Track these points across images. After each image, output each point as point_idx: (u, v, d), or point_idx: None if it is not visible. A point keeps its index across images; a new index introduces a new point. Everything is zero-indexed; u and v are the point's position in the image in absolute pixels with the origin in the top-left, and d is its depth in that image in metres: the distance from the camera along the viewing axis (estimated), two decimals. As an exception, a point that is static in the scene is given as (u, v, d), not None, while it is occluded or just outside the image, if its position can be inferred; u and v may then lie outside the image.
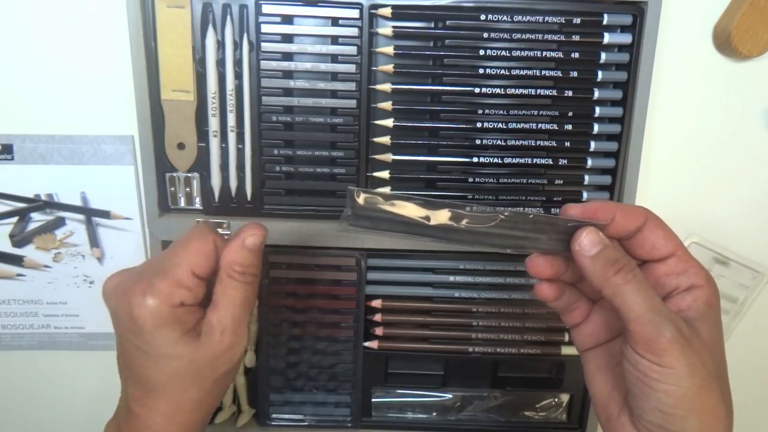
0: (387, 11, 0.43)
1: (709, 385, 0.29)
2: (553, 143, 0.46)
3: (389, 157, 0.46)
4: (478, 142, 0.46)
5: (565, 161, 0.46)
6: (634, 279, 0.30)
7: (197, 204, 0.47)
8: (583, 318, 0.36)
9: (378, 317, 0.49)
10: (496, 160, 0.46)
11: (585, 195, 0.47)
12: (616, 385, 0.33)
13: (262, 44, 0.43)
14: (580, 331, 0.36)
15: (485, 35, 0.43)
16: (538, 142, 0.46)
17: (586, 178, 0.47)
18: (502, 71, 0.44)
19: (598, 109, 0.45)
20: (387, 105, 0.45)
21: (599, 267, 0.30)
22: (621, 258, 0.31)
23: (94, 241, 0.50)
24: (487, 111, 0.45)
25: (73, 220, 0.49)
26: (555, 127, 0.45)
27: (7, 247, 0.50)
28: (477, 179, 0.46)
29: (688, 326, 0.29)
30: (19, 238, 0.50)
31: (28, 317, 0.52)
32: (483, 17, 0.43)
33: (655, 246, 0.33)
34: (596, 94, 0.45)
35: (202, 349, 0.32)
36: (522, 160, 0.46)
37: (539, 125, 0.45)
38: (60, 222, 0.49)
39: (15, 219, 0.49)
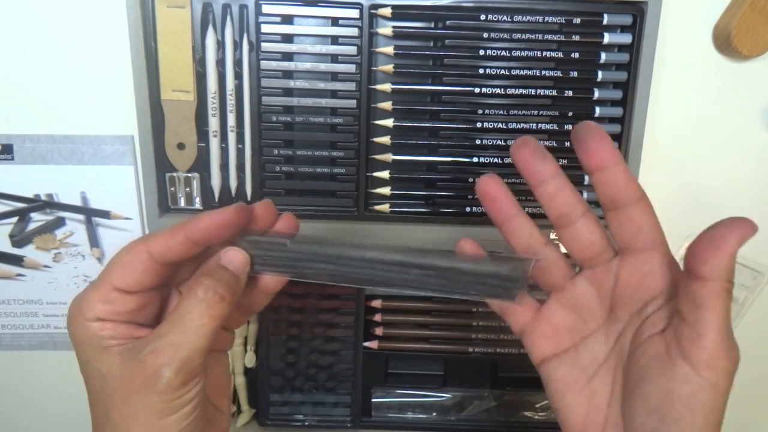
0: (387, 11, 0.43)
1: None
2: (553, 143, 0.46)
3: (389, 157, 0.46)
4: (478, 142, 0.46)
5: (565, 161, 0.46)
6: (730, 294, 0.26)
7: (197, 204, 0.47)
8: (532, 314, 0.31)
9: (378, 317, 0.49)
10: (496, 160, 0.46)
11: (585, 195, 0.47)
12: (594, 404, 0.28)
13: (262, 44, 0.43)
14: (534, 333, 0.31)
15: (485, 35, 0.43)
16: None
17: (587, 178, 0.47)
18: (502, 71, 0.44)
19: (598, 109, 0.45)
20: (387, 105, 0.45)
21: (723, 267, 0.26)
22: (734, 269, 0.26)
23: (94, 241, 0.50)
24: (487, 111, 0.45)
25: (73, 220, 0.49)
26: (555, 127, 0.45)
27: (7, 247, 0.50)
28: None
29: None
30: (19, 238, 0.50)
31: (28, 317, 0.52)
32: (483, 17, 0.43)
33: (642, 233, 0.29)
34: (596, 94, 0.45)
35: (127, 369, 0.27)
36: (522, 160, 0.46)
37: (539, 125, 0.45)
38: (60, 222, 0.49)
39: (15, 219, 0.49)
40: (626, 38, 0.44)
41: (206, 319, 0.27)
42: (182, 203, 0.47)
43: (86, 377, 0.29)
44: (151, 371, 0.27)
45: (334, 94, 0.45)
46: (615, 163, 0.28)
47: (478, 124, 0.45)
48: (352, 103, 0.45)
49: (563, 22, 0.44)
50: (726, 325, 0.25)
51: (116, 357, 0.28)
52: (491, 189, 0.33)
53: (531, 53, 0.44)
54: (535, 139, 0.31)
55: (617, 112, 0.45)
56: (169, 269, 0.30)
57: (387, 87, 0.44)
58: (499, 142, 0.46)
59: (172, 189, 0.47)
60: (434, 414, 0.52)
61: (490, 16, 0.43)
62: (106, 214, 0.49)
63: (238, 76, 0.44)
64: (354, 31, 0.43)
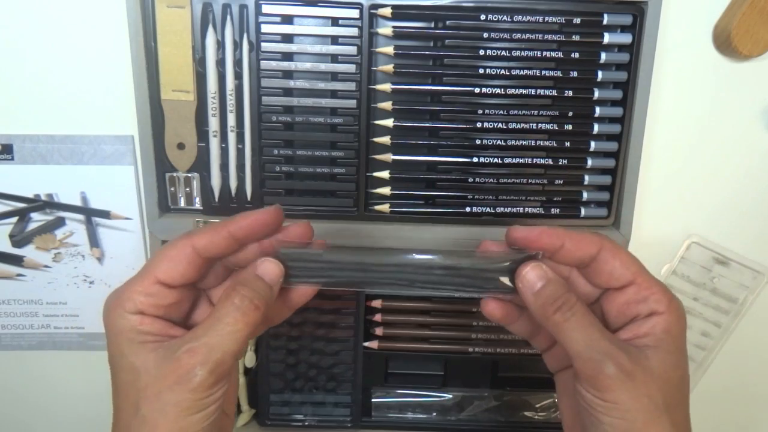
0: (387, 11, 0.43)
1: (657, 417, 0.29)
2: (553, 143, 0.46)
3: (389, 157, 0.46)
4: (478, 142, 0.46)
5: (565, 161, 0.46)
6: (574, 316, 0.30)
7: (197, 204, 0.47)
8: (550, 343, 0.35)
9: (378, 317, 0.49)
10: (496, 160, 0.46)
11: (585, 195, 0.47)
12: (579, 411, 0.32)
13: (262, 44, 0.43)
14: (550, 355, 0.36)
15: (485, 35, 0.43)
16: (538, 142, 0.46)
17: (586, 178, 0.47)
18: (502, 71, 0.44)
19: (598, 109, 0.45)
20: (387, 105, 0.45)
21: (540, 305, 0.31)
22: (561, 295, 0.30)
23: (94, 241, 0.50)
24: (487, 111, 0.45)
25: (73, 220, 0.49)
26: (555, 127, 0.45)
27: (7, 247, 0.50)
28: (477, 179, 0.46)
29: (634, 358, 0.29)
30: (19, 238, 0.50)
31: (28, 317, 0.52)
32: (483, 17, 0.43)
33: (612, 274, 0.32)
34: (596, 94, 0.45)
35: (161, 365, 0.28)
36: (522, 160, 0.46)
37: (539, 125, 0.45)
38: (60, 222, 0.49)
39: (15, 219, 0.49)
40: (626, 38, 0.44)
41: (241, 325, 0.29)
42: (182, 203, 0.47)
43: (116, 369, 0.30)
44: (186, 369, 0.28)
45: (334, 94, 0.45)
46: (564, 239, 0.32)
47: (478, 124, 0.45)
48: (352, 103, 0.45)
49: (563, 22, 0.44)
50: (585, 345, 0.29)
51: (151, 353, 0.29)
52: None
53: (531, 53, 0.44)
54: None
55: (617, 112, 0.45)
56: (208, 265, 0.32)
57: (387, 87, 0.44)
58: (499, 142, 0.45)
59: (172, 189, 0.47)
60: (434, 414, 0.52)
61: (490, 16, 0.43)
62: (106, 214, 0.49)
63: (238, 76, 0.44)
64: (354, 31, 0.43)
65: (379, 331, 0.49)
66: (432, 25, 0.44)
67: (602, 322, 0.32)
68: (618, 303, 0.32)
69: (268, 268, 0.31)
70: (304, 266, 0.32)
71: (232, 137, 0.45)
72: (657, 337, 0.30)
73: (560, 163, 0.46)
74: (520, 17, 0.43)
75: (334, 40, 0.44)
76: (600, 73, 0.45)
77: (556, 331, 0.30)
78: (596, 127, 0.46)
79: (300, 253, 0.32)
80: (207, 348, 0.28)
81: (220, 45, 0.43)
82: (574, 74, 0.45)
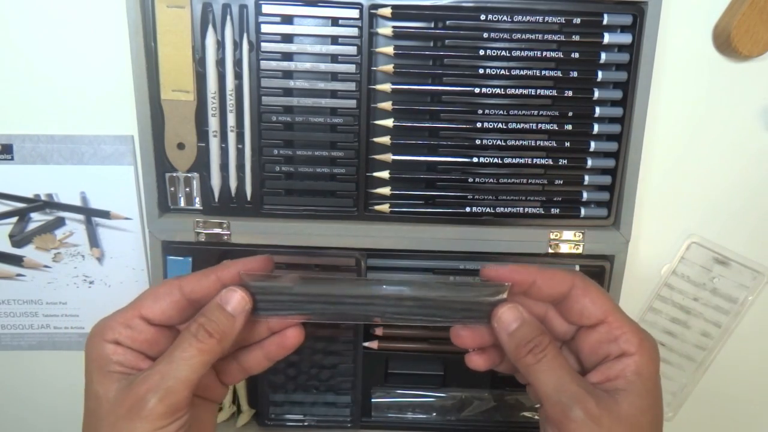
0: (387, 11, 0.43)
1: None
2: (553, 143, 0.46)
3: (389, 157, 0.46)
4: (478, 142, 0.46)
5: (565, 161, 0.46)
6: (545, 358, 0.30)
7: (197, 204, 0.47)
8: None
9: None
10: (496, 160, 0.46)
11: (585, 195, 0.47)
12: None
13: (262, 44, 0.43)
14: (531, 389, 0.34)
15: (485, 35, 0.43)
16: (537, 142, 0.46)
17: (586, 178, 0.47)
18: (502, 71, 0.44)
19: (598, 109, 0.45)
20: (387, 105, 0.45)
21: (513, 346, 0.31)
22: (535, 337, 0.31)
23: (93, 241, 0.50)
24: (487, 111, 0.45)
25: (73, 220, 0.49)
26: (555, 127, 0.45)
27: (7, 247, 0.50)
28: (477, 179, 0.46)
29: (602, 403, 0.29)
30: (19, 238, 0.50)
31: (27, 317, 0.52)
32: (483, 17, 0.43)
33: (583, 312, 0.32)
34: (596, 94, 0.45)
35: (119, 395, 0.29)
36: (522, 160, 0.46)
37: (539, 125, 0.45)
38: (60, 222, 0.49)
39: (15, 219, 0.49)
40: (626, 38, 0.44)
41: (194, 351, 0.29)
42: (182, 203, 0.47)
43: (85, 396, 0.30)
44: (137, 397, 0.28)
45: (334, 94, 0.44)
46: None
47: (478, 124, 0.45)
48: (352, 103, 0.45)
49: (563, 22, 0.44)
50: (554, 387, 0.30)
51: (115, 383, 0.29)
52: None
53: (531, 53, 0.44)
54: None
55: (617, 112, 0.45)
56: (193, 309, 0.32)
57: (387, 87, 0.44)
58: (499, 142, 0.45)
59: (172, 189, 0.47)
60: (434, 414, 0.52)
61: (490, 16, 0.43)
62: (106, 214, 0.49)
63: (238, 76, 0.44)
64: (354, 31, 0.43)
65: (379, 331, 0.49)
66: (432, 25, 0.44)
67: (577, 360, 0.33)
68: (590, 342, 0.32)
69: (230, 297, 0.31)
70: (275, 299, 0.32)
71: (232, 137, 0.45)
72: (627, 380, 0.30)
73: (560, 163, 0.46)
74: (520, 17, 0.43)
75: (334, 40, 0.44)
76: (600, 73, 0.45)
77: (527, 372, 0.31)
78: (596, 127, 0.46)
79: (270, 287, 0.32)
80: (159, 375, 0.29)
81: (220, 45, 0.43)
82: (574, 74, 0.45)
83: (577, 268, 0.48)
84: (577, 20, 0.44)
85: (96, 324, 0.31)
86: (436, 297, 0.33)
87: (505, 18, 0.43)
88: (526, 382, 0.35)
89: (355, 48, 0.44)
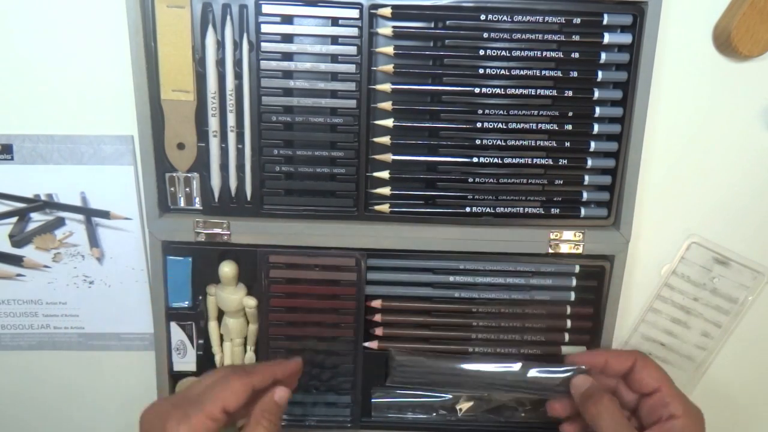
0: (387, 11, 0.43)
1: None
2: (553, 143, 0.46)
3: (389, 157, 0.46)
4: (478, 142, 0.46)
5: (565, 161, 0.46)
6: (603, 406, 0.40)
7: (197, 204, 0.47)
8: None
9: (378, 317, 0.49)
10: (496, 160, 0.46)
11: (585, 195, 0.47)
12: None
13: (262, 44, 0.43)
14: None
15: (485, 35, 0.43)
16: (538, 142, 0.46)
17: (586, 178, 0.47)
18: (502, 71, 0.44)
19: (598, 109, 0.45)
20: (387, 105, 0.45)
21: (582, 400, 0.42)
22: (597, 393, 0.41)
23: (93, 241, 0.50)
24: (487, 111, 0.45)
25: (73, 220, 0.49)
26: (555, 127, 0.45)
27: (7, 247, 0.50)
28: (477, 179, 0.46)
29: None
30: (19, 238, 0.50)
31: (27, 317, 0.52)
32: (483, 17, 0.43)
33: (642, 381, 0.42)
34: (596, 94, 0.45)
35: None
36: (522, 160, 0.46)
37: (539, 125, 0.45)
38: (60, 222, 0.49)
39: (15, 219, 0.49)
40: (626, 38, 0.44)
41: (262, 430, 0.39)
42: (182, 203, 0.47)
43: None
44: None
45: (334, 94, 0.44)
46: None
47: (478, 124, 0.45)
48: (352, 103, 0.45)
49: (563, 22, 0.44)
50: (613, 422, 0.39)
51: None
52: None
53: (531, 53, 0.44)
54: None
55: (617, 112, 0.45)
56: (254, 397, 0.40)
57: (387, 87, 0.44)
58: (499, 142, 0.45)
59: (172, 189, 0.47)
60: (434, 414, 0.52)
61: (490, 16, 0.43)
62: (105, 214, 0.49)
63: (238, 76, 0.44)
64: (354, 31, 0.43)
65: (379, 331, 0.49)
66: (432, 25, 0.44)
67: (638, 421, 0.43)
68: (648, 405, 0.42)
69: (281, 394, 0.41)
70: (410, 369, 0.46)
71: (232, 137, 0.45)
72: None
73: (560, 163, 0.46)
74: (520, 17, 0.43)
75: (334, 40, 0.44)
76: (600, 73, 0.45)
77: (592, 419, 0.40)
78: (596, 127, 0.46)
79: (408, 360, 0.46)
80: None
81: (220, 45, 0.43)
82: (574, 74, 0.45)
83: (577, 268, 0.48)
84: (577, 20, 0.44)
85: (173, 409, 0.37)
86: (533, 378, 0.44)
87: (505, 18, 0.43)
88: None
89: (355, 48, 0.44)
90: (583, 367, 0.44)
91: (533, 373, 0.44)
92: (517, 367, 0.45)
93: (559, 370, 0.44)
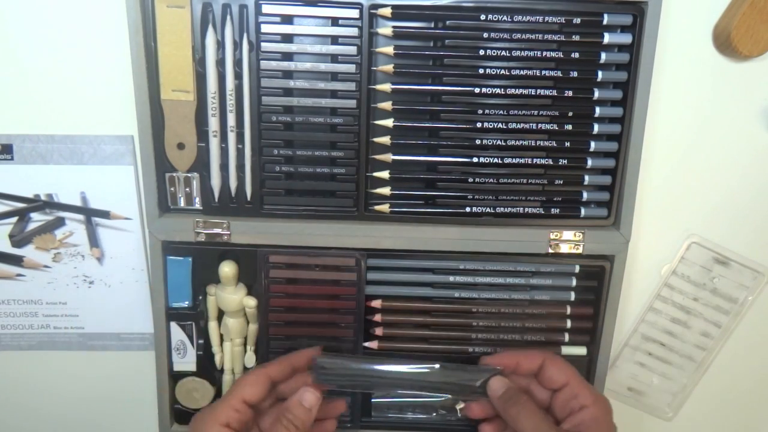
0: (387, 11, 0.43)
1: None
2: (553, 143, 0.46)
3: (389, 157, 0.46)
4: (478, 142, 0.46)
5: (565, 161, 0.46)
6: (524, 409, 0.42)
7: (197, 204, 0.47)
8: None
9: (378, 317, 0.49)
10: (496, 160, 0.46)
11: (585, 195, 0.47)
12: None
13: (262, 44, 0.43)
14: None
15: (485, 35, 0.43)
16: (537, 142, 0.46)
17: (586, 178, 0.47)
18: (502, 71, 0.44)
19: (598, 109, 0.45)
20: (387, 105, 0.45)
21: (501, 404, 0.43)
22: (515, 395, 0.43)
23: (93, 241, 0.50)
24: (487, 111, 0.45)
25: (73, 220, 0.49)
26: (555, 127, 0.45)
27: (7, 247, 0.50)
28: (477, 179, 0.46)
29: None
30: (19, 238, 0.50)
31: (27, 317, 0.52)
32: (483, 17, 0.43)
33: (552, 378, 0.44)
34: (596, 94, 0.45)
35: None
36: (522, 160, 0.46)
37: (539, 125, 0.45)
38: (60, 222, 0.49)
39: (15, 219, 0.49)
40: (626, 38, 0.44)
41: None
42: (182, 203, 0.47)
43: None
44: None
45: (334, 94, 0.44)
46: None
47: (478, 124, 0.45)
48: (352, 103, 0.45)
49: (563, 22, 0.44)
50: (533, 422, 0.41)
51: None
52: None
53: (531, 53, 0.44)
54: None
55: (617, 112, 0.45)
56: (273, 388, 0.43)
57: (387, 87, 0.44)
58: (499, 142, 0.45)
59: (172, 189, 0.47)
60: (434, 414, 0.52)
61: (490, 16, 0.43)
62: (105, 214, 0.49)
63: (238, 76, 0.44)
64: (354, 31, 0.43)
65: (379, 331, 0.49)
66: (432, 25, 0.44)
67: (554, 417, 0.44)
68: (560, 400, 0.44)
69: (305, 396, 0.42)
70: (335, 375, 0.44)
71: (232, 137, 0.45)
72: (587, 425, 0.42)
73: (560, 163, 0.46)
74: (520, 17, 0.43)
75: (334, 40, 0.44)
76: (600, 73, 0.45)
77: (513, 421, 0.42)
78: (596, 127, 0.46)
79: (332, 365, 0.44)
80: None
81: (220, 45, 0.43)
82: (574, 74, 0.45)
83: (577, 268, 0.48)
84: (577, 20, 0.44)
85: (206, 409, 0.42)
86: (451, 380, 0.45)
87: (505, 18, 0.43)
88: None
89: (355, 48, 0.44)
90: (498, 368, 0.45)
91: (449, 375, 0.44)
92: (434, 368, 0.44)
93: (474, 372, 0.45)
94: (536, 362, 0.45)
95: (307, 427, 0.42)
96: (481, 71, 0.44)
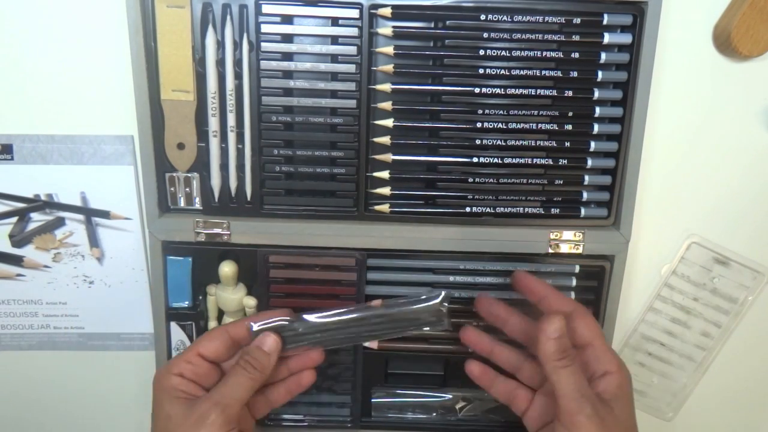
0: (387, 11, 0.43)
1: None
2: (553, 143, 0.46)
3: (389, 157, 0.46)
4: (478, 142, 0.46)
5: (565, 161, 0.46)
6: (571, 365, 0.37)
7: (197, 204, 0.47)
8: (528, 404, 0.44)
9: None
10: (496, 160, 0.46)
11: (585, 195, 0.47)
12: None
13: (262, 44, 0.43)
14: (528, 417, 0.44)
15: (485, 35, 0.43)
16: (538, 142, 0.46)
17: (586, 178, 0.47)
18: (502, 71, 0.44)
19: (598, 109, 0.45)
20: (387, 105, 0.45)
21: (552, 350, 0.38)
22: (567, 348, 0.38)
23: (93, 241, 0.50)
24: (487, 111, 0.45)
25: (73, 220, 0.49)
26: (555, 127, 0.45)
27: (7, 247, 0.50)
28: (477, 179, 0.46)
29: (605, 407, 0.37)
30: (19, 238, 0.50)
31: (27, 317, 0.52)
32: (483, 17, 0.43)
33: (577, 332, 0.40)
34: (596, 94, 0.45)
35: (186, 412, 0.38)
36: (522, 160, 0.46)
37: (539, 125, 0.45)
38: (60, 222, 0.49)
39: (15, 219, 0.49)
40: (626, 38, 0.44)
41: (244, 378, 0.40)
42: (182, 203, 0.47)
43: (156, 418, 0.40)
44: (202, 411, 0.38)
45: (334, 94, 0.44)
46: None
47: (478, 124, 0.45)
48: (352, 103, 0.45)
49: (563, 22, 0.44)
50: (574, 388, 0.37)
51: (182, 405, 0.39)
52: (471, 341, 0.47)
53: (531, 53, 0.44)
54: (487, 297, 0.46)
55: (617, 112, 0.45)
56: (236, 348, 0.42)
57: (387, 87, 0.44)
58: (499, 142, 0.45)
59: (172, 189, 0.47)
60: (434, 414, 0.52)
61: (490, 16, 0.43)
62: (105, 214, 0.49)
63: (238, 76, 0.44)
64: (354, 31, 0.43)
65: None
66: (432, 25, 0.44)
67: None
68: (582, 360, 0.40)
69: (264, 340, 0.42)
70: (286, 336, 0.42)
71: (232, 137, 0.45)
72: (613, 392, 0.38)
73: (560, 163, 0.46)
74: (520, 17, 0.43)
75: (334, 40, 0.44)
76: (600, 73, 0.45)
77: (554, 372, 0.38)
78: (596, 127, 0.46)
79: (280, 327, 0.42)
80: (219, 395, 0.39)
81: (220, 45, 0.43)
82: (574, 74, 0.45)
83: (577, 268, 0.48)
84: (577, 20, 0.44)
85: (164, 364, 0.42)
86: (396, 312, 0.42)
87: (505, 18, 0.43)
88: (522, 410, 0.44)
89: (355, 48, 0.44)
90: (444, 292, 0.42)
91: (395, 307, 0.42)
92: (376, 305, 0.42)
93: (422, 298, 0.42)
94: (565, 307, 0.41)
95: (267, 371, 0.41)
96: (481, 71, 0.44)
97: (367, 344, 0.49)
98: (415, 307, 0.42)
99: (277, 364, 0.43)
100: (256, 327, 0.42)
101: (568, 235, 0.47)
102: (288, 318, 0.43)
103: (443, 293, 0.42)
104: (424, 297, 0.42)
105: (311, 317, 0.43)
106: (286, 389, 0.45)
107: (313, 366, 0.45)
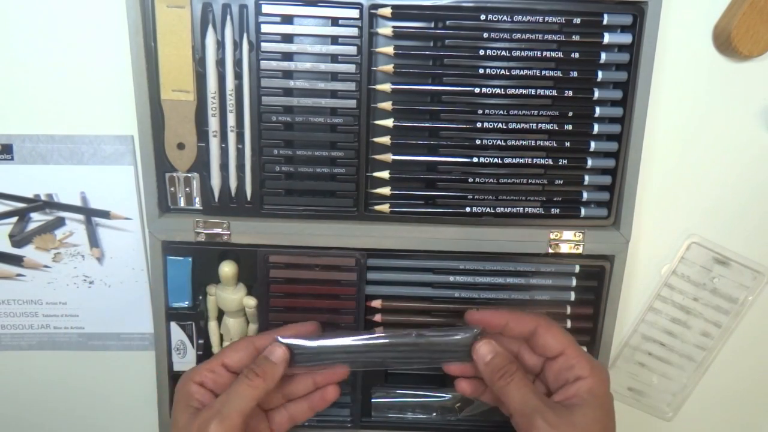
0: (387, 11, 0.43)
1: None
2: (553, 143, 0.46)
3: (389, 157, 0.46)
4: (478, 142, 0.46)
5: (565, 161, 0.46)
6: (513, 381, 0.39)
7: (197, 204, 0.47)
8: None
9: (378, 317, 0.49)
10: (496, 160, 0.46)
11: (585, 195, 0.47)
12: None
13: (262, 44, 0.43)
14: (514, 420, 0.42)
15: (485, 35, 0.43)
16: (538, 142, 0.46)
17: (586, 178, 0.47)
18: (502, 71, 0.44)
19: (598, 109, 0.45)
20: (387, 105, 0.45)
21: (489, 372, 0.40)
22: (505, 365, 0.39)
23: (93, 241, 0.50)
24: (487, 111, 0.45)
25: (73, 220, 0.49)
26: (555, 127, 0.45)
27: (7, 247, 0.50)
28: (477, 179, 0.46)
29: (559, 414, 0.37)
30: (19, 238, 0.50)
31: (27, 317, 0.52)
32: (483, 17, 0.43)
33: (546, 346, 0.41)
34: (596, 94, 0.45)
35: (190, 420, 0.38)
36: (522, 160, 0.46)
37: (539, 125, 0.45)
38: (60, 222, 0.49)
39: (15, 219, 0.49)
40: (626, 38, 0.44)
41: (245, 387, 0.39)
42: (182, 203, 0.47)
43: (172, 420, 0.40)
44: (202, 420, 0.38)
45: (334, 94, 0.44)
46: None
47: (478, 124, 0.45)
48: (352, 103, 0.45)
49: (563, 22, 0.44)
50: (521, 402, 0.38)
51: (191, 412, 0.39)
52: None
53: (531, 53, 0.44)
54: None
55: (617, 112, 0.45)
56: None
57: (387, 87, 0.44)
58: (499, 142, 0.46)
59: (172, 189, 0.47)
60: (434, 414, 0.52)
61: (490, 16, 0.43)
62: (105, 214, 0.49)
63: (238, 76, 0.44)
64: (354, 31, 0.43)
65: (379, 331, 0.49)
66: (432, 25, 0.44)
67: (545, 386, 0.42)
68: (554, 370, 0.41)
69: (273, 350, 0.41)
70: (303, 354, 0.42)
71: (232, 137, 0.45)
72: (582, 397, 0.38)
73: (560, 163, 0.46)
74: (520, 17, 0.43)
75: (334, 40, 0.44)
76: (600, 73, 0.45)
77: (500, 392, 0.39)
78: (596, 127, 0.46)
79: (297, 345, 0.42)
80: (220, 404, 0.39)
81: (220, 45, 0.43)
82: (574, 74, 0.45)
83: (577, 268, 0.48)
84: (577, 20, 0.44)
85: (189, 369, 0.42)
86: (426, 342, 0.42)
87: (505, 18, 0.43)
88: (499, 404, 0.43)
89: (355, 48, 0.44)
90: (478, 329, 0.41)
91: (425, 338, 0.41)
92: (409, 335, 0.42)
93: (455, 332, 0.42)
94: (528, 326, 0.42)
95: (271, 381, 0.40)
96: (481, 71, 0.44)
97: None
98: (447, 339, 0.41)
99: (302, 378, 0.43)
100: (282, 340, 0.42)
101: (568, 235, 0.47)
102: (314, 337, 0.43)
103: (476, 330, 0.41)
104: (458, 332, 0.42)
105: (338, 340, 0.42)
106: (309, 405, 0.44)
107: (338, 381, 0.44)
